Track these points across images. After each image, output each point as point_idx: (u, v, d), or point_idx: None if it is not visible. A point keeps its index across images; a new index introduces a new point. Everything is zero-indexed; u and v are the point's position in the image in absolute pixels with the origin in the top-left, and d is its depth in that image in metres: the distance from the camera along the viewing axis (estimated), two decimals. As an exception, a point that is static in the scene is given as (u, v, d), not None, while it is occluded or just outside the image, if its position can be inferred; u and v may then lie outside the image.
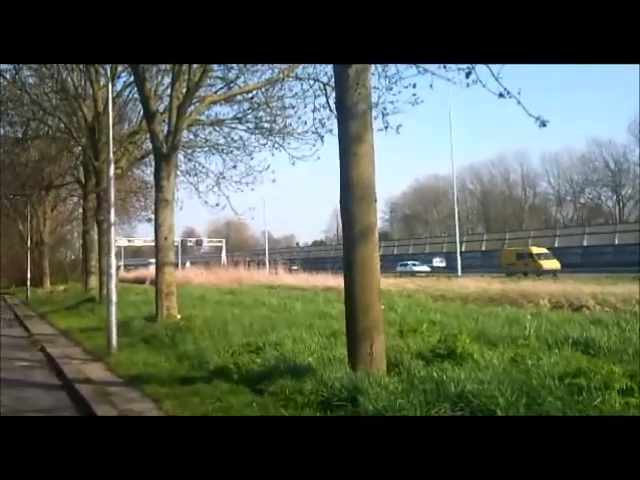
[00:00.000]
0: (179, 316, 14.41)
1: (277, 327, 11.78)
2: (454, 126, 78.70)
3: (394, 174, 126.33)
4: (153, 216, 16.65)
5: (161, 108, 18.06)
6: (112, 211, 13.08)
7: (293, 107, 18.86)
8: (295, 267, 57.53)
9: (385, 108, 14.85)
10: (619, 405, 5.24)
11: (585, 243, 59.03)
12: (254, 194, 23.20)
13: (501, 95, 7.36)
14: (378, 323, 7.57)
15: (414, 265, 61.48)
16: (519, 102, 7.30)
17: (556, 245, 61.26)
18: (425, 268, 59.50)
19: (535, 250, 51.34)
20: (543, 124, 7.76)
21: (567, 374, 6.41)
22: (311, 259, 74.90)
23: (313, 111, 16.62)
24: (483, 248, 68.85)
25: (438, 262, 63.05)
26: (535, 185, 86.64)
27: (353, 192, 7.59)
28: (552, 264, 47.73)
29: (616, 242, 56.22)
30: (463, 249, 61.29)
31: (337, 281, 18.92)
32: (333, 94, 8.45)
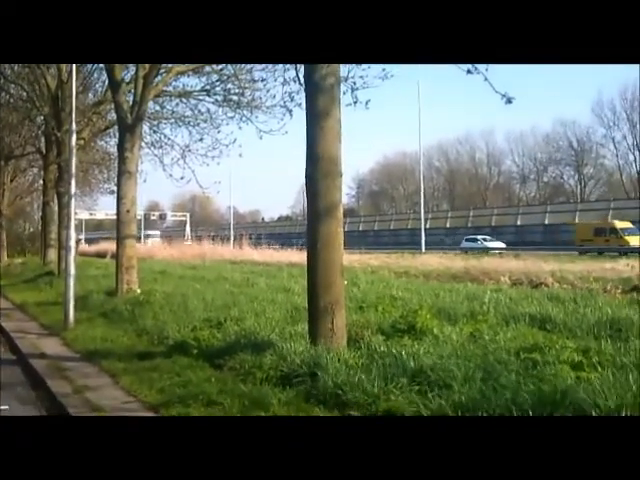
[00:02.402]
0: (139, 290, 14.26)
1: (239, 302, 11.74)
2: (423, 103, 78.89)
3: (362, 150, 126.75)
4: (116, 188, 16.36)
5: (127, 78, 17.67)
6: (73, 182, 12.89)
7: (262, 80, 18.59)
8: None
9: (355, 83, 14.67)
10: (570, 379, 5.33)
11: (547, 221, 59.88)
12: (220, 168, 22.95)
13: (469, 72, 7.36)
14: (340, 298, 7.59)
15: (485, 240, 51.10)
16: (486, 78, 7.33)
17: (518, 223, 62.10)
18: (499, 244, 48.77)
19: (619, 224, 43.23)
20: (509, 101, 7.80)
21: (523, 349, 6.53)
22: (277, 234, 74.71)
23: (282, 84, 16.37)
24: (447, 225, 69.43)
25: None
26: (500, 163, 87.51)
27: (319, 166, 7.55)
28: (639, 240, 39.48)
29: (577, 220, 57.17)
30: (428, 226, 61.73)
31: (302, 257, 18.87)
32: (302, 67, 8.33)
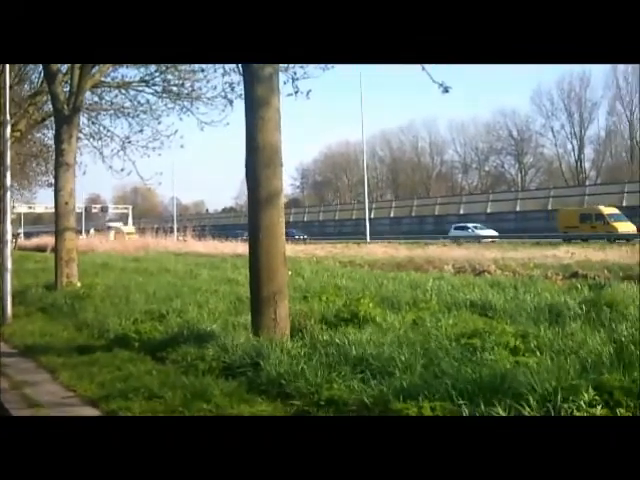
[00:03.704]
0: (80, 284, 13.99)
1: (182, 294, 11.60)
2: (366, 92, 79.29)
3: (306, 140, 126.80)
4: (54, 181, 15.94)
5: (64, 69, 17.17)
6: (8, 175, 12.67)
7: (202, 70, 18.33)
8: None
9: (295, 73, 14.64)
10: (509, 363, 5.43)
11: (489, 210, 61.08)
12: (162, 159, 22.52)
13: (408, 61, 7.37)
14: (283, 288, 7.57)
15: (476, 228, 49.03)
16: (423, 68, 7.37)
17: (461, 212, 63.19)
18: (492, 232, 47.43)
19: (606, 210, 41.69)
20: (446, 90, 7.90)
21: (463, 335, 6.63)
22: (221, 226, 74.15)
23: (223, 75, 16.29)
24: (391, 215, 70.15)
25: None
26: (442, 153, 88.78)
27: (259, 156, 7.52)
28: (627, 227, 39.33)
29: (517, 209, 58.51)
30: (372, 216, 62.25)
31: (246, 248, 18.70)
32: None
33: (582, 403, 4.21)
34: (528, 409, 4.29)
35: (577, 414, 4.13)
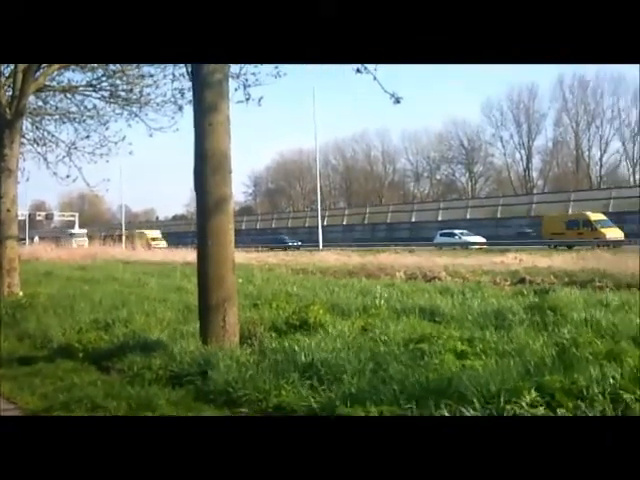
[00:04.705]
0: (22, 293, 13.62)
1: (129, 303, 11.39)
2: (320, 102, 79.61)
3: (259, 148, 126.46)
4: (-5, 187, 15.49)
5: (7, 72, 16.73)
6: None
7: (151, 75, 18.10)
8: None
9: (247, 79, 14.62)
10: (455, 367, 5.49)
11: (440, 218, 61.93)
12: (110, 166, 22.20)
13: (358, 71, 7.46)
14: (232, 295, 7.51)
15: (463, 235, 47.97)
16: (375, 78, 7.45)
17: (413, 220, 63.97)
18: (479, 239, 46.18)
19: (593, 216, 41.39)
20: (397, 101, 8.01)
21: (412, 340, 6.69)
22: (172, 234, 73.30)
23: (172, 80, 16.12)
24: (344, 222, 70.50)
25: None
26: (395, 162, 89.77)
27: (208, 162, 7.45)
28: (615, 233, 39.23)
29: (468, 217, 59.50)
30: (325, 223, 62.43)
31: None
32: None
33: (524, 404, 4.28)
34: (472, 411, 4.34)
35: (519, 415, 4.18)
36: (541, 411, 4.22)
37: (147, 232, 69.29)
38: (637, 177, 71.80)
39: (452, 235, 47.62)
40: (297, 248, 47.90)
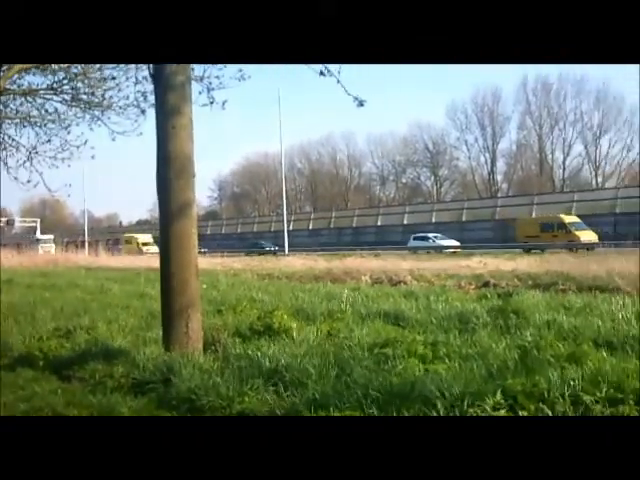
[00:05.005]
0: (-21, 301, 13.25)
1: (91, 310, 11.25)
2: (285, 105, 79.53)
3: (224, 152, 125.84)
4: (-47, 193, 15.14)
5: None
6: None
7: (114, 78, 17.85)
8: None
9: (211, 83, 14.51)
10: (419, 371, 5.52)
11: (405, 221, 62.30)
12: (72, 170, 21.76)
13: (322, 73, 7.44)
14: (195, 301, 7.44)
15: (437, 239, 46.92)
16: (339, 81, 7.44)
17: (379, 223, 64.23)
18: (453, 242, 45.35)
19: (567, 219, 41.37)
20: (361, 104, 8.00)
21: (376, 344, 6.70)
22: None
23: (135, 83, 15.92)
24: (310, 227, 70.50)
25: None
26: (360, 165, 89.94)
27: (171, 166, 7.38)
28: (589, 235, 38.86)
29: (433, 220, 59.96)
30: (291, 228, 62.36)
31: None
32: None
33: (487, 407, 4.31)
34: (436, 415, 4.35)
35: (482, 419, 4.21)
36: (503, 414, 4.24)
37: (138, 236, 66.12)
38: (599, 180, 73.16)
39: (426, 239, 47.15)
40: (274, 253, 47.24)
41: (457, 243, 45.35)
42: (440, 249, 42.32)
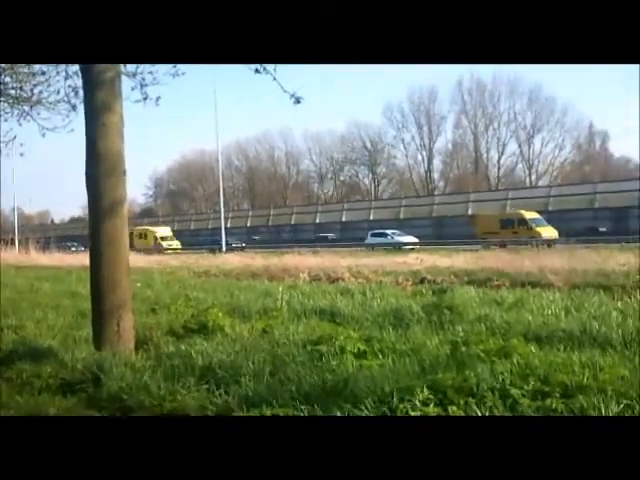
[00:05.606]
0: None
1: (19, 309, 10.91)
2: (222, 101, 78.88)
3: (160, 148, 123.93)
4: None
5: None
6: None
7: (43, 73, 17.35)
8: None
9: (144, 79, 14.26)
10: (352, 367, 5.55)
11: (344, 219, 62.72)
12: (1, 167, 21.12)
13: (257, 71, 7.40)
14: (127, 300, 7.33)
15: (395, 235, 46.26)
16: (274, 78, 7.41)
17: (317, 221, 64.48)
18: (412, 239, 44.65)
19: (528, 215, 41.27)
20: (297, 101, 7.98)
21: (311, 341, 6.71)
22: (69, 237, 70.59)
23: (65, 78, 15.50)
24: (248, 224, 70.21)
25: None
26: (298, 163, 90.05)
27: (101, 164, 7.24)
28: (550, 232, 38.84)
29: (371, 217, 60.56)
30: (229, 225, 61.92)
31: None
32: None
33: (417, 402, 4.36)
34: (366, 411, 4.38)
35: (412, 414, 4.25)
36: (432, 409, 4.30)
37: (154, 229, 58.17)
38: (533, 178, 75.29)
39: (384, 235, 46.35)
40: (242, 249, 45.61)
41: (416, 240, 44.93)
42: (399, 246, 41.71)
